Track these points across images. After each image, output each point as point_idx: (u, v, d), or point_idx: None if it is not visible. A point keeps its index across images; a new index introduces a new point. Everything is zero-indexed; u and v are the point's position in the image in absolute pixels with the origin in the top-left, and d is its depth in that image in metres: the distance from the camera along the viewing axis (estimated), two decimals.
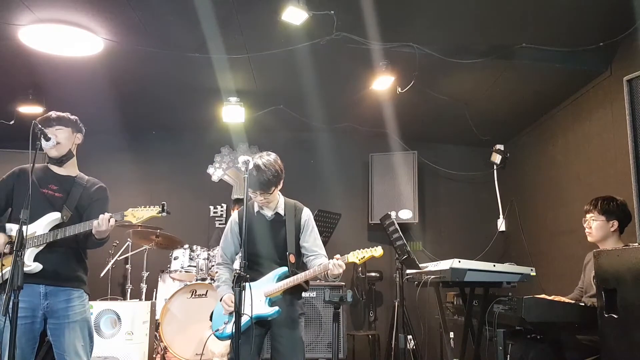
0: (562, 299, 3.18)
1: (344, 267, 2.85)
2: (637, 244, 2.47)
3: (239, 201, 5.75)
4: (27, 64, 4.41)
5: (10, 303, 2.25)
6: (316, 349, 4.58)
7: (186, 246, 5.22)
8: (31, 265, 2.67)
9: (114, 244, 5.55)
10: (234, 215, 3.21)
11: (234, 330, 2.60)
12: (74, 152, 2.97)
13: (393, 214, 5.66)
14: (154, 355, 4.82)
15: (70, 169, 2.95)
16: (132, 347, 4.48)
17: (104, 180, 3.05)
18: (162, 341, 4.74)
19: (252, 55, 4.32)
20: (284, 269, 2.98)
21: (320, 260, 3.01)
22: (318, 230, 3.19)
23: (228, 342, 3.25)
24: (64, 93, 5.00)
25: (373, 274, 5.90)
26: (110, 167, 5.61)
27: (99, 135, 4.54)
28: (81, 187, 2.92)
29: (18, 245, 2.33)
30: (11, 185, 2.83)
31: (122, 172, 6.09)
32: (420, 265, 3.81)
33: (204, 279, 5.04)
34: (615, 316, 2.44)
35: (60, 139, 2.84)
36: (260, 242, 3.02)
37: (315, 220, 3.20)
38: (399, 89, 4.58)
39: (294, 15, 3.60)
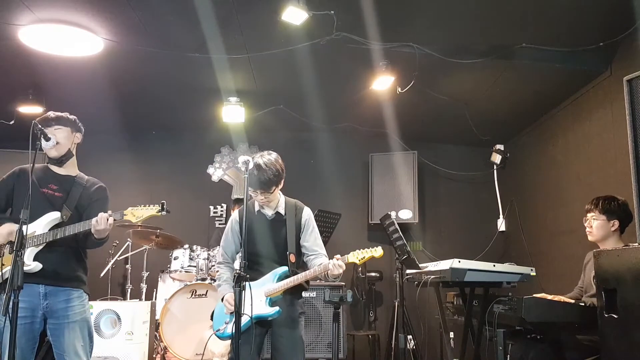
0: (562, 297, 3.18)
1: (344, 267, 2.85)
2: (637, 244, 2.47)
3: (239, 201, 5.75)
4: (27, 64, 4.41)
5: (10, 303, 2.25)
6: (316, 349, 4.58)
7: (186, 246, 5.22)
8: (31, 264, 2.67)
9: (114, 244, 5.54)
10: (235, 214, 3.21)
11: (234, 330, 2.60)
12: (74, 152, 2.97)
13: (393, 214, 5.66)
14: (154, 355, 4.81)
15: (70, 169, 2.95)
16: (132, 347, 4.48)
17: (104, 180, 3.05)
18: (162, 341, 4.74)
19: (252, 55, 4.32)
20: (284, 268, 2.97)
21: (320, 259, 3.01)
22: (318, 230, 3.19)
23: (228, 342, 3.25)
24: (64, 93, 5.00)
25: (373, 274, 5.90)
26: (110, 167, 5.61)
27: (99, 135, 4.55)
28: (81, 186, 2.92)
29: (18, 245, 2.33)
30: (11, 185, 2.83)
31: (122, 172, 6.09)
32: (420, 265, 3.81)
33: (204, 279, 5.04)
34: (615, 316, 2.44)
35: (59, 139, 2.84)
36: (260, 242, 3.02)
37: (315, 220, 3.19)
38: (399, 89, 4.58)
39: (294, 15, 3.60)
